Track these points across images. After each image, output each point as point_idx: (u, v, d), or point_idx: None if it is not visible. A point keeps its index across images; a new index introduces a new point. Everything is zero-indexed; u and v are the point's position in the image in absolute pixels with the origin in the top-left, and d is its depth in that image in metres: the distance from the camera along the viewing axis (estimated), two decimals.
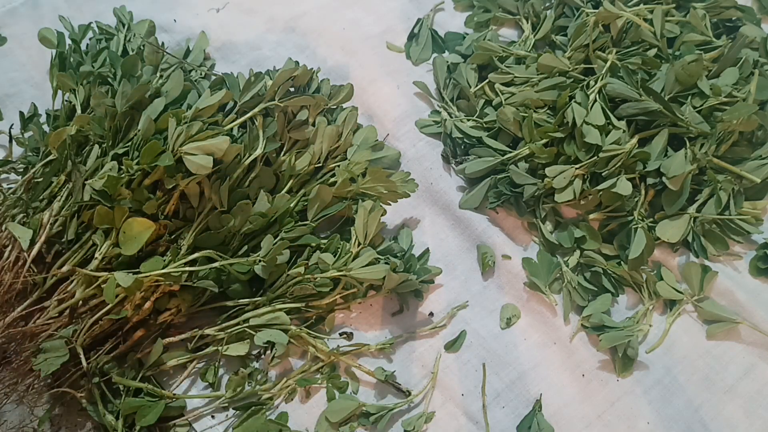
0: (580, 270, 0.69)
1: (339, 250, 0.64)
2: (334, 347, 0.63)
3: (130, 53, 0.73)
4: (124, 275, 0.55)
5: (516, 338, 0.66)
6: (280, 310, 0.62)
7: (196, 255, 0.59)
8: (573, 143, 0.68)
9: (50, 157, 0.64)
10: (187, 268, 0.58)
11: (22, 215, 0.62)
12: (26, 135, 0.72)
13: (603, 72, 0.71)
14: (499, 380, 0.64)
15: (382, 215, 0.65)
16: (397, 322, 0.67)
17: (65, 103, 0.68)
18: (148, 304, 0.59)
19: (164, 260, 0.58)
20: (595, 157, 0.66)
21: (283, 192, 0.66)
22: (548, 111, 0.72)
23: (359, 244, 0.64)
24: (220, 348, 0.61)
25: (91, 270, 0.58)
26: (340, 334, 0.65)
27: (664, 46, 0.76)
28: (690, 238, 0.69)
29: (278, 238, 0.63)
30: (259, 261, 0.60)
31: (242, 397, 0.60)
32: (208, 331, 0.61)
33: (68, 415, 0.60)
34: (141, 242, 0.58)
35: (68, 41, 0.76)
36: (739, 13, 0.81)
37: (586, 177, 0.68)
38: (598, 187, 0.66)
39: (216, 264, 0.59)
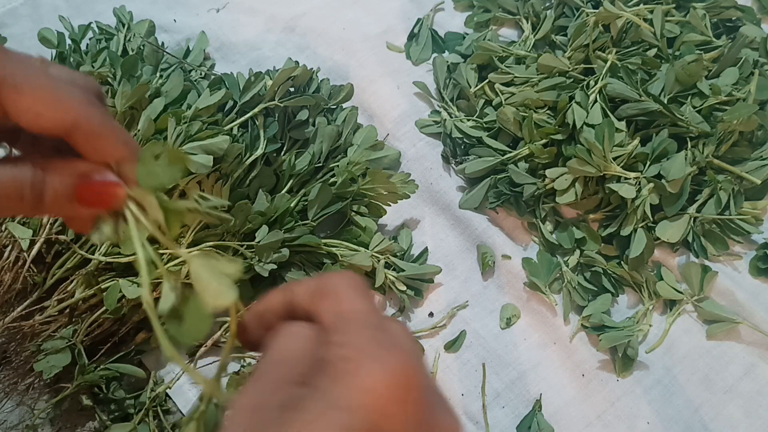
0: (580, 270, 0.69)
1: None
2: None
3: (130, 53, 0.73)
4: (129, 285, 0.55)
5: (516, 338, 0.66)
6: None
7: (193, 252, 0.59)
8: (573, 145, 0.68)
9: None
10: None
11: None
12: None
13: (603, 72, 0.71)
14: (498, 380, 0.64)
15: (381, 216, 0.65)
16: None
17: None
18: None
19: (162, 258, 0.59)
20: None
21: (283, 192, 0.66)
22: (548, 111, 0.72)
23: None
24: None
25: (91, 270, 0.58)
26: None
27: (664, 46, 0.76)
28: (690, 238, 0.69)
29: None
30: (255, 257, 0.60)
31: None
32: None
33: (68, 415, 0.60)
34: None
35: (68, 41, 0.76)
36: (739, 13, 0.81)
37: (587, 178, 0.68)
38: (606, 186, 0.66)
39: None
